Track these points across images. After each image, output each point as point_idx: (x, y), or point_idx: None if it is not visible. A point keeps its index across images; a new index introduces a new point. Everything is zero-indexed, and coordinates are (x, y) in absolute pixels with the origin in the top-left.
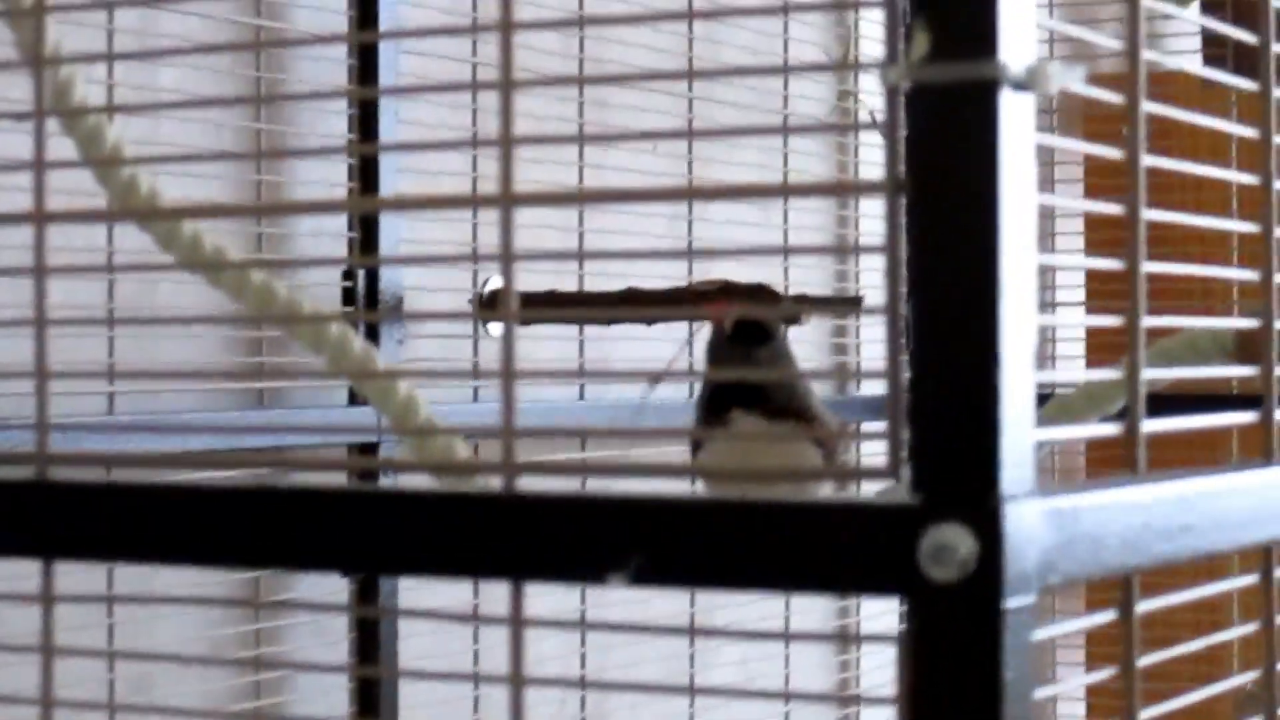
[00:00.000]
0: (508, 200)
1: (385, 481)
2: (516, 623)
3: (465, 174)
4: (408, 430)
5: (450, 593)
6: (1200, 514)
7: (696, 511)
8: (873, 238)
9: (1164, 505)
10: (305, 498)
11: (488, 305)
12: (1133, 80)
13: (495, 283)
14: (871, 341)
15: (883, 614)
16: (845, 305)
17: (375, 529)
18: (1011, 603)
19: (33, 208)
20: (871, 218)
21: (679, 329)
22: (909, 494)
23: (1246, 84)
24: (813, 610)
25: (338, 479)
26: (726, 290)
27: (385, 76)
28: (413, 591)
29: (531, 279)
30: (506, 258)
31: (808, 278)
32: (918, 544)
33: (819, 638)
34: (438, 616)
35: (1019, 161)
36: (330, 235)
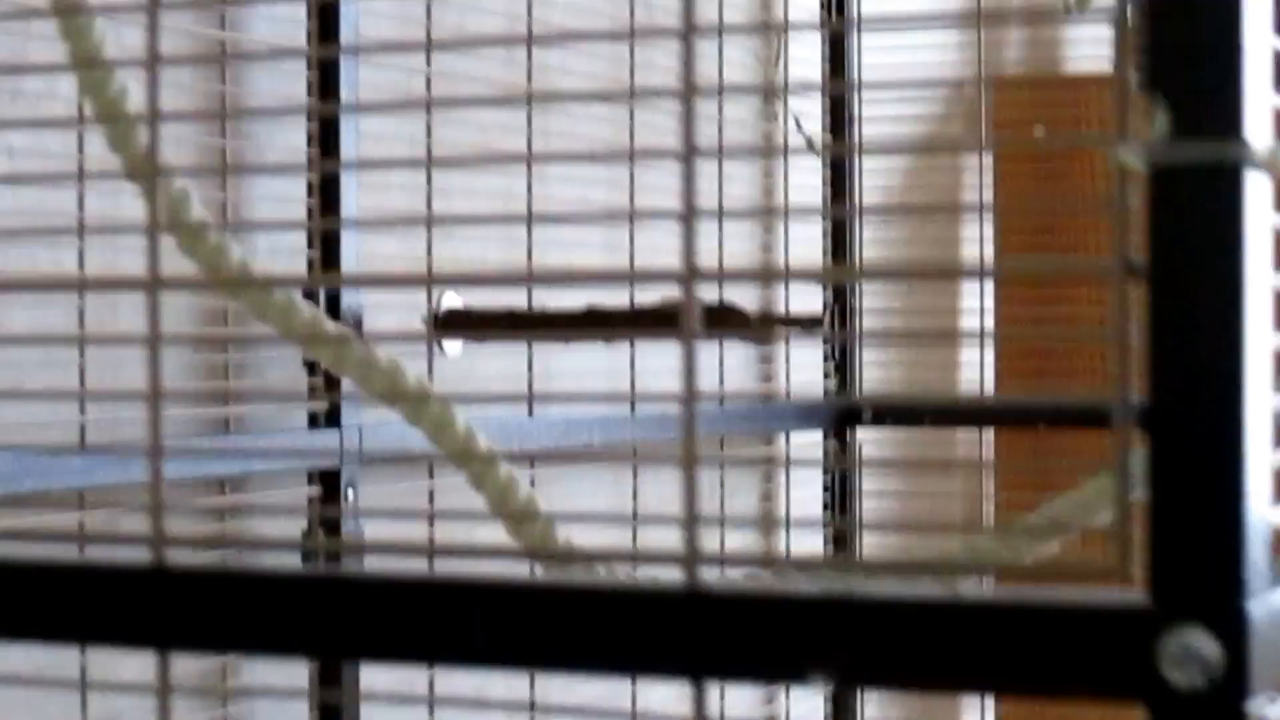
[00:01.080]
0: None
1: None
2: None
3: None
4: (509, 514)
5: (410, 674)
6: None
7: (909, 610)
8: (802, 193)
9: None
10: (479, 592)
11: (442, 324)
12: None
13: (449, 300)
14: (801, 350)
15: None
16: (809, 325)
17: (554, 626)
18: (1254, 706)
19: (147, 273)
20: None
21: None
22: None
23: None
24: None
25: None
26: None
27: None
28: (372, 672)
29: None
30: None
31: (736, 247)
32: (1156, 647)
33: None
34: (409, 699)
35: (1258, 244)
36: (289, 253)
